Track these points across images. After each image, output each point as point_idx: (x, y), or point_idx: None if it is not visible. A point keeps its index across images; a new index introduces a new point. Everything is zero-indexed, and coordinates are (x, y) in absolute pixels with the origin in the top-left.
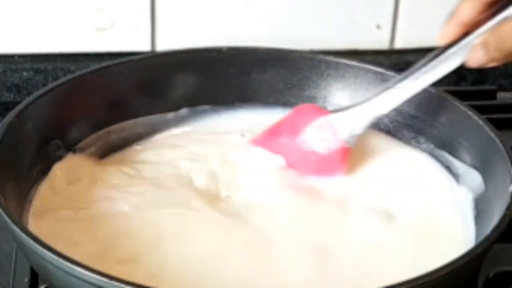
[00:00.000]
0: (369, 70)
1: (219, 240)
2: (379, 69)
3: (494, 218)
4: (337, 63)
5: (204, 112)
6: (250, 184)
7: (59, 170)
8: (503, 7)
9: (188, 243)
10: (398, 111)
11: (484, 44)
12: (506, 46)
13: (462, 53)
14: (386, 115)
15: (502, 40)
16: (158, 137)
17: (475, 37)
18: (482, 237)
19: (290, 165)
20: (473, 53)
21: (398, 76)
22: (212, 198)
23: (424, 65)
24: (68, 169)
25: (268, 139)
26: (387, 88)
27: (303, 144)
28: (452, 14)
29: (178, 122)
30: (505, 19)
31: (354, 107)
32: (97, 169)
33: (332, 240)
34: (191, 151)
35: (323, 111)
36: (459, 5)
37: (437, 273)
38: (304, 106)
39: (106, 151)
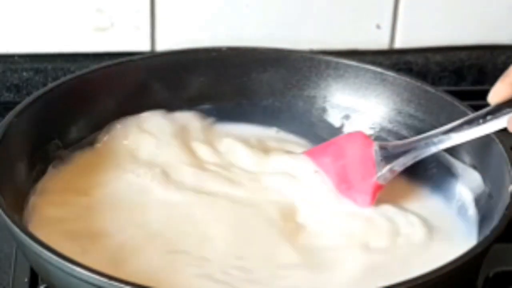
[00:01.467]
0: (368, 70)
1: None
2: (378, 69)
3: (494, 218)
4: (337, 63)
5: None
6: None
7: (57, 169)
8: None
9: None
10: (398, 110)
11: None
12: None
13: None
14: (386, 116)
15: None
16: None
17: None
18: (482, 237)
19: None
20: None
21: (447, 126)
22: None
23: (475, 119)
24: (66, 168)
25: (317, 153)
26: (433, 135)
27: (342, 168)
28: (505, 74)
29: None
30: None
31: (397, 145)
32: (97, 166)
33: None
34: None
35: (370, 141)
36: None
37: (437, 273)
38: (354, 134)
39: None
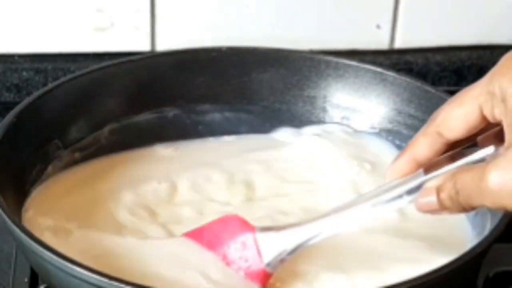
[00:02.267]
0: (368, 70)
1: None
2: (378, 69)
3: (494, 218)
4: (337, 63)
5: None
6: None
7: (57, 171)
8: (464, 152)
9: None
10: (398, 110)
11: (439, 190)
12: (462, 198)
13: (412, 194)
14: (387, 116)
15: (459, 189)
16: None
17: (429, 179)
18: (482, 237)
19: None
20: (424, 197)
21: (337, 206)
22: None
23: (367, 200)
24: (66, 169)
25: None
26: (321, 217)
27: (222, 258)
28: (406, 148)
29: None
30: (465, 165)
31: (282, 229)
32: (97, 168)
33: None
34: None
35: (250, 226)
36: (415, 139)
37: (437, 273)
38: (230, 218)
39: (106, 151)
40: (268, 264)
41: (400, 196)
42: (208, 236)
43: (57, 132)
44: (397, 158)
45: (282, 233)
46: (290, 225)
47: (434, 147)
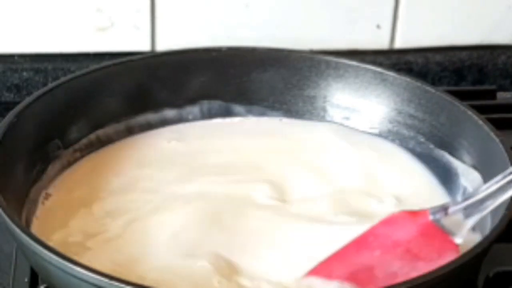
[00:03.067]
0: (369, 70)
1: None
2: (379, 69)
3: (494, 218)
4: (337, 63)
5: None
6: None
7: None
8: None
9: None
10: (398, 110)
11: None
12: None
13: None
14: (387, 116)
15: None
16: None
17: None
18: (481, 237)
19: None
20: None
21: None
22: None
23: None
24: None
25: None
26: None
27: (404, 258)
28: None
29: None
30: None
31: (459, 204)
32: (97, 165)
33: None
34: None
35: (422, 213)
36: None
37: (437, 273)
38: (396, 216)
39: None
40: (459, 239)
41: None
42: (377, 240)
43: (57, 132)
44: None
45: (460, 207)
46: (465, 199)
47: None
